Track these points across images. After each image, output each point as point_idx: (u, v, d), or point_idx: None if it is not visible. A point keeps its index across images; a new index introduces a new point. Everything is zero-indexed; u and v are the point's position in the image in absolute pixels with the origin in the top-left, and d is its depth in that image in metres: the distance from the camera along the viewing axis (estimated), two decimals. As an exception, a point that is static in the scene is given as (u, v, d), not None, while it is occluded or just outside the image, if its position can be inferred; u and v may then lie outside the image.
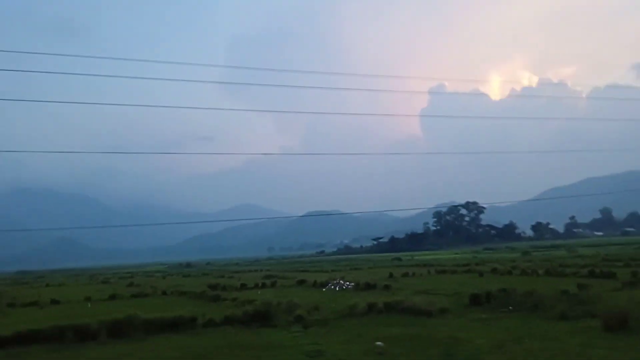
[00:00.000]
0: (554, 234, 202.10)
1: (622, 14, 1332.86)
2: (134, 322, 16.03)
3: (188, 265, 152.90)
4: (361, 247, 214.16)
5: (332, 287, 30.40)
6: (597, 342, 11.63)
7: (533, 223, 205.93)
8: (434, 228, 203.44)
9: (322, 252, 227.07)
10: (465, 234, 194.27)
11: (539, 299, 17.28)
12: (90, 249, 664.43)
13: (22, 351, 14.02)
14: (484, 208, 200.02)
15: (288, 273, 51.69)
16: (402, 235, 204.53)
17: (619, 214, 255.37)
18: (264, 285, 34.53)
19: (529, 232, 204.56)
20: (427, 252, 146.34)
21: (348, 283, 30.49)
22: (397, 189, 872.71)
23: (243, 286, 33.73)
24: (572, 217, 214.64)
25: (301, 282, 34.95)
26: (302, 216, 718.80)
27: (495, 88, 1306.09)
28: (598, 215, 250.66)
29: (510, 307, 17.13)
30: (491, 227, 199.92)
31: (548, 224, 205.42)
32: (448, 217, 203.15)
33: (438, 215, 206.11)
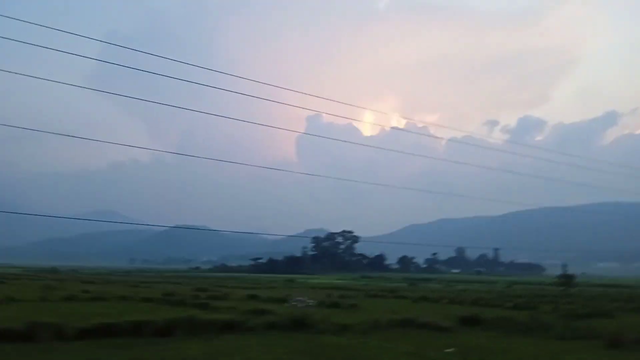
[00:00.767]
0: (417, 267, 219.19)
1: (483, 73, 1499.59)
2: (194, 321, 16.62)
3: (54, 270, 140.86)
4: (239, 266, 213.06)
5: (294, 303, 31.82)
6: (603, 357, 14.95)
7: (393, 255, 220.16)
8: (311, 253, 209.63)
9: (197, 268, 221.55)
10: (340, 261, 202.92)
11: (532, 322, 20.73)
12: None
13: (124, 342, 14.10)
14: (358, 237, 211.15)
15: (220, 288, 51.31)
16: (277, 257, 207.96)
17: (469, 254, 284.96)
18: (216, 298, 34.63)
19: (393, 264, 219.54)
20: (307, 275, 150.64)
21: (310, 301, 32.13)
22: (267, 211, 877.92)
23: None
24: (434, 254, 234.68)
25: (253, 297, 35.70)
26: (172, 227, 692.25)
27: (367, 125, 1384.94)
28: (452, 254, 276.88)
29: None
30: (364, 256, 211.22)
31: (412, 258, 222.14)
32: (325, 244, 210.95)
33: (316, 240, 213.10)
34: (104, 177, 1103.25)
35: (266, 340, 15.75)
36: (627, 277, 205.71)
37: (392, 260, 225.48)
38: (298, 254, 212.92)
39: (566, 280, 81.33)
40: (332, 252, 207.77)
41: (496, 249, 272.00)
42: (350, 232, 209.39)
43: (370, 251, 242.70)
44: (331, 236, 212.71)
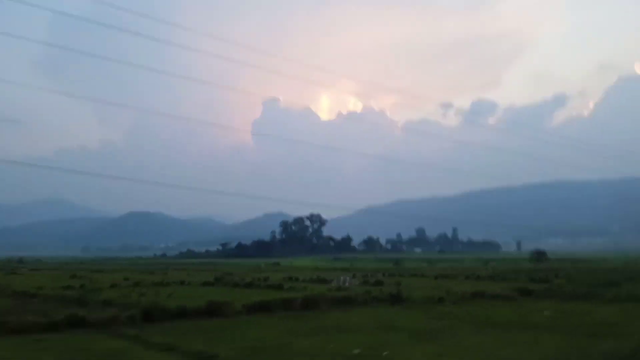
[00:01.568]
0: (382, 248, 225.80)
1: (439, 57, 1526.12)
2: (321, 299, 19.34)
3: (20, 260, 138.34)
4: (207, 251, 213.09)
5: (338, 283, 34.78)
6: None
7: (353, 236, 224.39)
8: (280, 237, 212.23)
9: (164, 255, 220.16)
10: (309, 244, 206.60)
11: (577, 290, 24.49)
12: None
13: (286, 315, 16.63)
14: (326, 220, 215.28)
15: (240, 273, 53.25)
16: (239, 242, 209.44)
17: (429, 233, 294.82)
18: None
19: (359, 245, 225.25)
20: (279, 258, 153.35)
21: (354, 280, 35.19)
22: (223, 195, 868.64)
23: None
24: (398, 235, 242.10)
25: (292, 279, 38.32)
26: (125, 214, 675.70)
27: (325, 109, 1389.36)
28: (412, 234, 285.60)
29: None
30: (331, 238, 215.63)
31: (377, 238, 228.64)
32: (294, 227, 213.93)
33: (284, 224, 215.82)
34: (50, 163, 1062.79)
35: (386, 310, 18.65)
36: (577, 251, 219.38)
37: (355, 241, 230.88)
38: (259, 237, 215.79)
39: (539, 256, 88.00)
40: (300, 235, 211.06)
41: (454, 229, 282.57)
42: (317, 215, 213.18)
43: (331, 233, 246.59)
44: (299, 220, 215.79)
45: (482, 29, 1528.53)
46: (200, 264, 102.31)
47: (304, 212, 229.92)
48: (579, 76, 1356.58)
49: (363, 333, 14.49)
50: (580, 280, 31.95)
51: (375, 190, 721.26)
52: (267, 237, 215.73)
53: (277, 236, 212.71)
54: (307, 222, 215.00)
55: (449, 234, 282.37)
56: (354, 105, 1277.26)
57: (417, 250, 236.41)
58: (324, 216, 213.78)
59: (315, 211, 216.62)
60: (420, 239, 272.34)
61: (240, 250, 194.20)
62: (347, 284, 34.32)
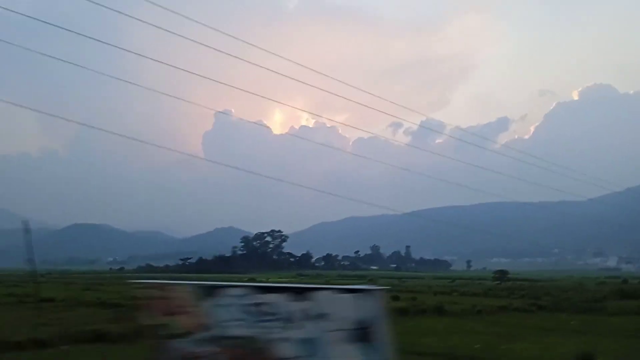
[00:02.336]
0: (340, 265, 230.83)
1: (388, 77, 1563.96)
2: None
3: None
4: (166, 266, 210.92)
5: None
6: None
7: (300, 252, 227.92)
8: (240, 252, 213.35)
9: (122, 268, 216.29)
10: (269, 260, 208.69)
11: (582, 304, 29.90)
12: None
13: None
14: (287, 237, 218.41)
15: None
16: (192, 257, 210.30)
17: (382, 251, 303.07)
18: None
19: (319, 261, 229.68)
20: (241, 275, 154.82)
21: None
22: (173, 208, 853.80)
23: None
24: (357, 252, 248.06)
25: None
26: (68, 226, 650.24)
27: (277, 123, 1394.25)
28: (367, 251, 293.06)
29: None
30: (291, 255, 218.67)
31: (337, 255, 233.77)
32: (255, 243, 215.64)
33: (245, 240, 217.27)
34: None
35: (449, 320, 23.23)
36: (521, 271, 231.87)
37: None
38: (209, 251, 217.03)
39: (501, 275, 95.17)
40: (261, 251, 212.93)
41: (407, 247, 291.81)
42: (279, 231, 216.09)
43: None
44: (260, 235, 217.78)
45: (430, 51, 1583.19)
46: (170, 279, 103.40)
47: (256, 227, 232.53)
48: (520, 100, 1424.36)
49: (456, 335, 18.90)
50: (575, 297, 37.81)
51: (327, 206, 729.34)
52: (217, 252, 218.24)
53: (239, 251, 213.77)
54: (268, 238, 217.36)
55: (402, 251, 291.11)
56: (307, 121, 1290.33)
57: (373, 267, 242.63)
58: (266, 231, 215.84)
59: (272, 227, 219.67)
60: (375, 255, 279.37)
61: (201, 265, 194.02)
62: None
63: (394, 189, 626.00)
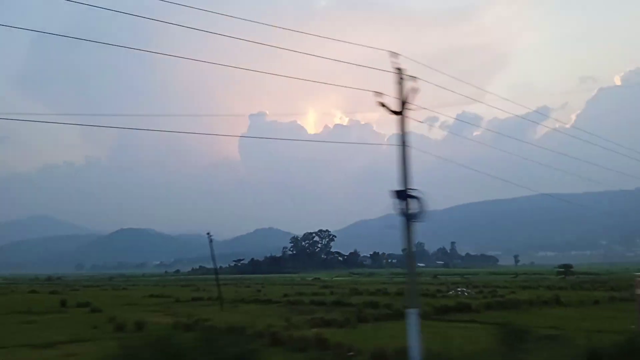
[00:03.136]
0: (389, 263, 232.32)
1: (421, 72, 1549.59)
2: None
3: (50, 279, 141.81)
4: (220, 267, 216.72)
5: (454, 292, 41.66)
6: None
7: (343, 250, 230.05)
8: (290, 253, 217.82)
9: (177, 271, 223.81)
10: (318, 259, 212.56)
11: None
12: None
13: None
14: (335, 236, 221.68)
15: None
16: (233, 258, 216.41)
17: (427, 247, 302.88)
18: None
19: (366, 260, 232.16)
20: (294, 274, 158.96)
21: (469, 291, 42.08)
22: (213, 210, 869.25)
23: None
24: (404, 249, 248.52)
25: (382, 292, 45.01)
26: (115, 232, 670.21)
27: (311, 122, 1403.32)
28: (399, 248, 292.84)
29: None
30: (339, 254, 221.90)
31: (384, 253, 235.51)
32: (304, 243, 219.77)
33: (295, 240, 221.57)
34: (35, 181, 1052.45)
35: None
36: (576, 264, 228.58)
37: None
38: (253, 252, 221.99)
39: (566, 269, 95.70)
40: (310, 250, 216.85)
41: (453, 242, 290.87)
42: (326, 231, 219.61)
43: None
44: (308, 235, 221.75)
45: (464, 42, 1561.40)
46: (236, 280, 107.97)
47: (295, 227, 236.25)
48: (560, 88, 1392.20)
49: (604, 320, 21.35)
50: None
51: (366, 204, 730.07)
52: (260, 252, 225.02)
53: (289, 252, 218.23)
54: (317, 238, 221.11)
55: (447, 247, 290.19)
56: (340, 119, 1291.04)
57: (420, 264, 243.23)
58: (308, 230, 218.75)
59: (311, 227, 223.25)
60: (420, 252, 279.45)
61: (254, 266, 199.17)
62: (465, 294, 41.22)
63: (432, 184, 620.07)
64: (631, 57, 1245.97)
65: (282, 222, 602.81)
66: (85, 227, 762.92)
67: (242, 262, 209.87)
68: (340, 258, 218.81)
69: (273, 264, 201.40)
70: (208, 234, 37.00)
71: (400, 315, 21.27)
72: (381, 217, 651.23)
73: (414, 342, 11.10)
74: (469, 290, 42.20)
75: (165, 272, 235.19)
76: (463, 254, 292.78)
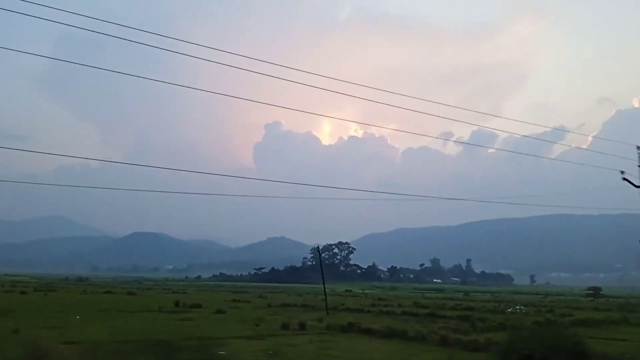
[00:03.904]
0: (406, 277, 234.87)
1: (439, 86, 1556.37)
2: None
3: (81, 279, 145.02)
4: (240, 275, 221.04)
5: (514, 310, 44.78)
6: None
7: (370, 265, 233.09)
8: (310, 263, 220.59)
9: (199, 277, 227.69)
10: (337, 271, 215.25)
11: None
12: None
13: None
14: (354, 248, 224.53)
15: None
16: (246, 265, 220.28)
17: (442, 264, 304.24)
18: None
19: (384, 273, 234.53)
20: (313, 285, 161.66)
21: (525, 308, 45.18)
22: (226, 218, 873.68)
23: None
24: (422, 265, 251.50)
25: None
26: (130, 235, 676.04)
27: (326, 134, 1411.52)
28: (422, 263, 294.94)
29: None
30: (357, 266, 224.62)
31: (401, 267, 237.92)
32: (323, 254, 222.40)
33: (314, 251, 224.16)
34: (51, 181, 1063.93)
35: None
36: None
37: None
38: (264, 261, 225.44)
39: (595, 292, 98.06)
40: (329, 262, 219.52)
41: (468, 260, 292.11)
42: (346, 243, 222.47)
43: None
44: (328, 247, 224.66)
45: (482, 59, 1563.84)
46: (264, 289, 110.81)
47: (306, 237, 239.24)
48: (578, 109, 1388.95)
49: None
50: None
51: (377, 217, 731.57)
52: (273, 261, 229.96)
53: (308, 262, 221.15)
54: (336, 250, 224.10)
55: (462, 264, 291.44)
56: (355, 131, 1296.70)
57: (437, 280, 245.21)
58: (318, 242, 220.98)
59: (311, 237, 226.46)
60: (435, 268, 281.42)
61: (274, 275, 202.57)
62: (524, 311, 44.32)
63: (444, 201, 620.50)
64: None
65: (293, 232, 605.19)
66: (99, 229, 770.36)
67: (262, 270, 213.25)
68: (358, 271, 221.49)
69: (293, 273, 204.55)
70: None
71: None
72: (391, 230, 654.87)
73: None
74: (526, 308, 45.25)
75: (186, 277, 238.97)
76: (478, 271, 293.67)
